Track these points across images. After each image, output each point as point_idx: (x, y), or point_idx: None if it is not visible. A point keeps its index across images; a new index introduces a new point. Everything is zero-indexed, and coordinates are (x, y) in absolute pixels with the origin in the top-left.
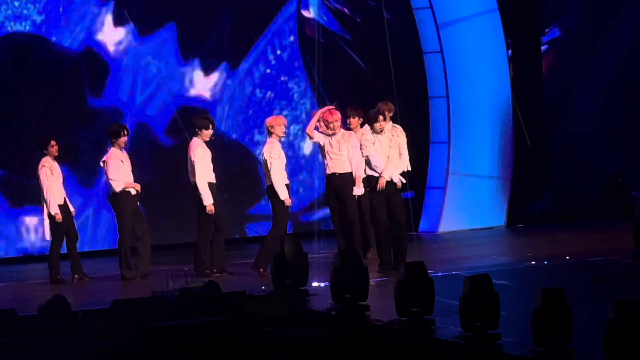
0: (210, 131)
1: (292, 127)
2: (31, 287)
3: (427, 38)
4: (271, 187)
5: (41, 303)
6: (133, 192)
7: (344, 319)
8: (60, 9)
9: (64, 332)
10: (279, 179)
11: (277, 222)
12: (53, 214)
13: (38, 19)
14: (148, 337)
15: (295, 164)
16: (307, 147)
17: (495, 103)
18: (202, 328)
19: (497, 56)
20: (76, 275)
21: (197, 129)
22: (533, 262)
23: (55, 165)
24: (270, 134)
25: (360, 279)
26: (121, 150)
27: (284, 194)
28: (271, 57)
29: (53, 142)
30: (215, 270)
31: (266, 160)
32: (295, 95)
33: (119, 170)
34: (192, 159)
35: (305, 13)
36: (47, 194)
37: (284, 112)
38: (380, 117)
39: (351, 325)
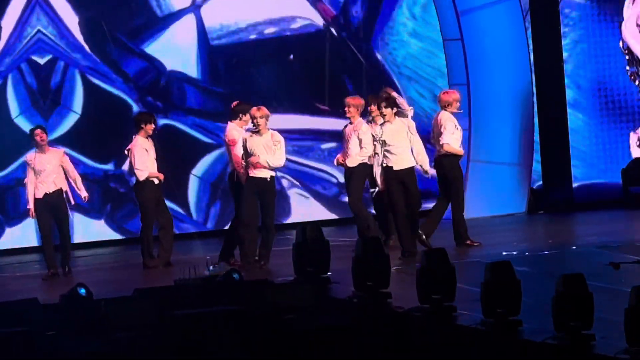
0: (249, 117)
1: None
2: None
3: (447, 25)
4: None
5: (64, 292)
6: (156, 181)
7: (366, 307)
8: None
9: (86, 321)
10: None
11: None
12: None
13: None
14: (170, 325)
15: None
16: None
17: (516, 90)
18: (224, 316)
19: (517, 43)
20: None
21: (239, 114)
22: (554, 249)
23: (42, 157)
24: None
25: (382, 267)
26: (147, 138)
27: None
28: None
29: (38, 131)
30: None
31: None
32: None
33: (144, 159)
34: (230, 144)
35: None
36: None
37: None
38: (384, 104)
39: (373, 312)
